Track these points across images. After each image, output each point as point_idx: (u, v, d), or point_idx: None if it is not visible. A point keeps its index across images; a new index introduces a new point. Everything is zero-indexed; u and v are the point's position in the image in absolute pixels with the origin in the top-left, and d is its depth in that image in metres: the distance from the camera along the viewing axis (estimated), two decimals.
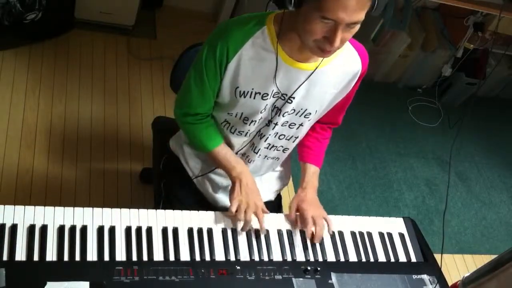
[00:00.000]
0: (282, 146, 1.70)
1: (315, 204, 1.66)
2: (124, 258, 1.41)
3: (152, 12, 3.30)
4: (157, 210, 1.54)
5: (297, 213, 1.65)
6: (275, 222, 1.64)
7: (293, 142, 1.69)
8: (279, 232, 1.61)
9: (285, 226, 1.64)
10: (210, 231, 1.54)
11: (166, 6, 3.34)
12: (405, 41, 3.30)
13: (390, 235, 1.72)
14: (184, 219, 1.55)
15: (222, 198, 1.76)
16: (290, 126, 1.62)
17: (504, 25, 3.08)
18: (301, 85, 1.48)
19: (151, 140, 2.13)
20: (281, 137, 1.65)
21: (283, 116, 1.56)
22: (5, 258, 1.33)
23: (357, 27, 1.31)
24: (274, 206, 1.87)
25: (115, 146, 2.66)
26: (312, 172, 1.74)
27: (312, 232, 1.61)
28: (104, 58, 2.98)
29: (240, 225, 1.56)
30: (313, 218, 1.61)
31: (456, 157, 3.42)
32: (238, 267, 1.48)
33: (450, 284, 1.75)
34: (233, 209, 1.55)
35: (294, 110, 1.56)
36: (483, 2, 2.79)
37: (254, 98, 1.51)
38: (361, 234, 1.69)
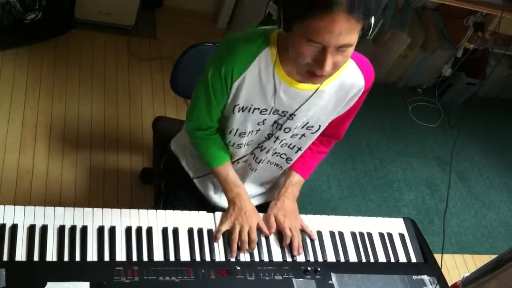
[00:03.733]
0: (285, 154, 1.69)
1: (292, 214, 1.63)
2: (124, 258, 1.41)
3: (152, 12, 3.30)
4: (157, 210, 1.54)
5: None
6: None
7: (296, 152, 1.68)
8: (280, 233, 1.61)
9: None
10: (210, 232, 1.54)
11: (166, 6, 3.34)
12: (405, 41, 3.30)
13: (390, 235, 1.72)
14: (184, 219, 1.55)
15: (223, 199, 1.75)
16: (292, 137, 1.61)
17: (504, 25, 3.08)
18: (301, 106, 1.47)
19: (151, 140, 2.13)
20: (283, 145, 1.65)
21: (285, 132, 1.56)
22: (5, 258, 1.33)
23: (350, 50, 1.28)
24: None
25: (115, 146, 2.66)
26: (295, 181, 1.71)
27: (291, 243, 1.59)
28: (104, 58, 2.98)
29: (234, 245, 1.53)
30: (290, 230, 1.59)
31: (456, 157, 3.42)
32: (238, 268, 1.48)
33: (450, 284, 1.75)
34: (223, 228, 1.54)
35: (297, 127, 1.56)
36: (483, 2, 2.79)
37: (252, 112, 1.51)
38: (361, 234, 1.69)
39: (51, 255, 1.36)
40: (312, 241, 1.62)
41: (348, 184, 3.00)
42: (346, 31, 1.21)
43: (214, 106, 1.52)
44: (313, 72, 1.31)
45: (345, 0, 1.18)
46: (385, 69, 3.49)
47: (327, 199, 2.87)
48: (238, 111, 1.50)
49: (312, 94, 1.45)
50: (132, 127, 2.75)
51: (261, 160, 1.67)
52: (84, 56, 2.95)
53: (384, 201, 3.00)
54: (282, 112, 1.51)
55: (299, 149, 1.66)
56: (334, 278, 1.54)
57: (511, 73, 3.71)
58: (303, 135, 1.61)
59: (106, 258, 1.40)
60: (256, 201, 1.81)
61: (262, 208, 1.70)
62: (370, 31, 1.26)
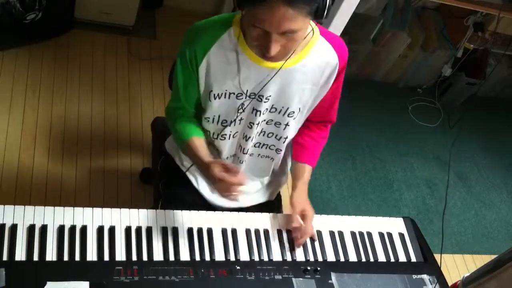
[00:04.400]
0: (274, 146, 1.68)
1: (309, 204, 1.65)
2: (124, 258, 1.41)
3: (152, 12, 3.30)
4: (157, 210, 1.54)
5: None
6: (275, 222, 1.63)
7: (284, 142, 1.67)
8: (279, 232, 1.61)
9: (285, 226, 1.63)
10: (210, 231, 1.54)
11: (166, 6, 3.34)
12: (405, 41, 3.30)
13: (390, 235, 1.72)
14: (184, 219, 1.55)
15: (221, 199, 1.75)
16: (276, 125, 1.61)
17: (504, 25, 3.08)
18: (267, 82, 1.46)
19: (150, 140, 2.12)
20: (269, 135, 1.64)
21: (262, 114, 1.56)
22: (5, 258, 1.33)
23: (299, 34, 1.29)
24: (275, 206, 1.86)
25: (115, 146, 2.66)
26: (307, 171, 1.72)
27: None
28: (104, 58, 2.98)
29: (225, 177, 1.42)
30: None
31: (456, 157, 3.43)
32: (238, 267, 1.48)
33: (450, 284, 1.75)
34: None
35: (276, 108, 1.55)
36: (483, 2, 2.79)
37: (229, 98, 1.51)
38: (361, 234, 1.69)
39: (51, 255, 1.37)
40: (312, 240, 1.62)
41: (348, 184, 3.00)
42: (287, 19, 1.22)
43: (189, 88, 1.52)
44: (264, 53, 1.33)
45: None
46: (385, 69, 3.49)
47: (327, 199, 2.87)
48: (215, 98, 1.51)
49: (278, 70, 1.44)
50: (132, 127, 2.75)
51: (247, 150, 1.66)
52: (84, 56, 2.95)
53: (384, 201, 3.00)
54: (258, 96, 1.50)
55: (286, 138, 1.65)
56: (334, 277, 1.54)
57: (511, 73, 3.71)
58: (287, 124, 1.59)
59: (106, 258, 1.40)
60: (256, 199, 1.81)
61: (263, 207, 1.70)
62: (323, 13, 1.25)
